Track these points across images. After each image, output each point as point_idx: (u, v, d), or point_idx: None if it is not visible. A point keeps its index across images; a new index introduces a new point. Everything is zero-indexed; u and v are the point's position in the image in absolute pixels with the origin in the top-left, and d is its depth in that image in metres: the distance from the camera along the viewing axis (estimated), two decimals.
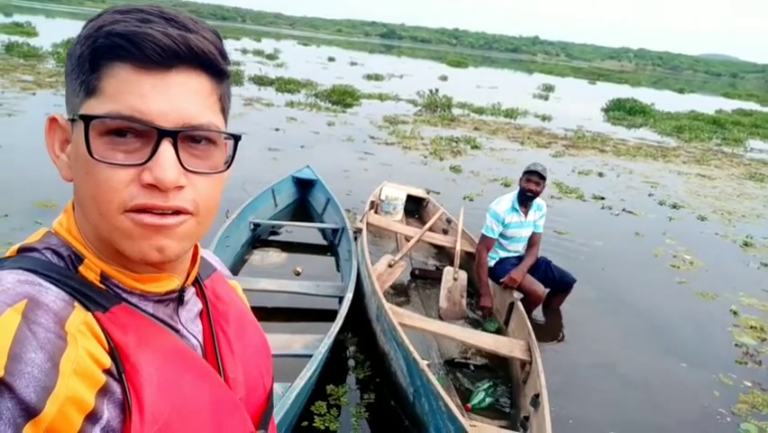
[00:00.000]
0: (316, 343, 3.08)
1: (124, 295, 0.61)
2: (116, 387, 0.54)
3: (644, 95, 30.13)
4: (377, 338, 3.66)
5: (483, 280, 4.43)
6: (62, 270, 0.59)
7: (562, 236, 6.49)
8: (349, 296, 3.69)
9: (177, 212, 0.58)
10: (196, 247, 0.71)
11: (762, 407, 3.70)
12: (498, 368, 3.81)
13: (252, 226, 5.30)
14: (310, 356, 2.84)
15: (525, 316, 3.88)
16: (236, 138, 0.65)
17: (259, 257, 5.05)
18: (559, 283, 4.62)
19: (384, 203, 5.91)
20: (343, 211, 5.55)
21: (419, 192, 6.64)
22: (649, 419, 3.51)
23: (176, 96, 0.57)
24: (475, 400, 3.30)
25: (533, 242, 4.59)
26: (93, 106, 0.56)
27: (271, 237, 5.56)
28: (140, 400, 0.54)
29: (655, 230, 7.31)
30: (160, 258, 0.58)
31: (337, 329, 3.20)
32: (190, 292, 0.70)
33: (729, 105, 34.17)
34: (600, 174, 10.46)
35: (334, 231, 5.43)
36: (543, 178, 4.38)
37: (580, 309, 4.76)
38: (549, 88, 31.38)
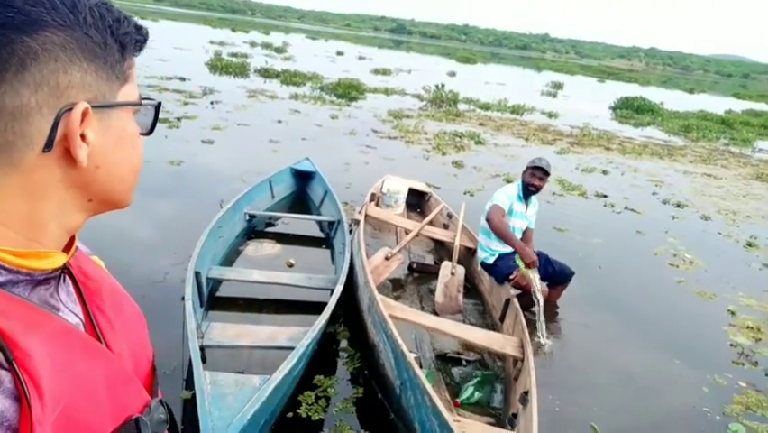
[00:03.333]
0: (301, 335, 3.04)
1: (9, 276, 0.58)
2: (5, 376, 0.51)
3: (654, 94, 29.93)
4: (367, 330, 3.63)
5: (512, 237, 4.25)
6: None
7: (561, 233, 6.43)
8: (339, 288, 3.66)
9: None
10: None
11: (755, 408, 3.65)
12: (491, 364, 3.77)
13: (248, 217, 5.27)
14: (293, 349, 2.81)
15: (521, 312, 3.83)
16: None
17: (253, 248, 5.02)
18: (558, 276, 4.57)
19: (385, 196, 5.87)
20: (340, 204, 5.51)
21: (421, 186, 6.59)
22: (639, 417, 3.47)
23: None
24: (464, 396, 3.27)
25: (527, 238, 4.54)
26: (129, 92, 0.63)
27: (267, 229, 5.53)
28: (37, 385, 0.52)
29: (657, 229, 7.24)
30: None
31: (323, 321, 3.17)
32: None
33: (740, 105, 33.87)
34: (604, 172, 10.38)
35: (330, 223, 5.39)
36: (547, 174, 4.34)
37: (574, 306, 4.71)
38: (557, 86, 31.22)
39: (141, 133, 0.67)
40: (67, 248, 0.66)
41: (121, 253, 4.45)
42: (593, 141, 13.84)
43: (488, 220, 4.38)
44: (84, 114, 0.56)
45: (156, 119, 0.71)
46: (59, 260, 0.62)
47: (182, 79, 14.67)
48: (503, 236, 4.29)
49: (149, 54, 20.04)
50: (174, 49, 23.28)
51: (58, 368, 0.55)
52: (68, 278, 0.68)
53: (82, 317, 0.68)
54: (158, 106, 0.70)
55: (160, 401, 0.73)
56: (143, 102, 0.67)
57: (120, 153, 0.63)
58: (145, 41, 0.65)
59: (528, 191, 4.39)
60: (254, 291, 4.16)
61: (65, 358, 0.57)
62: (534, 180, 4.33)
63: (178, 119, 9.82)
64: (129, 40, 0.61)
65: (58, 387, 0.54)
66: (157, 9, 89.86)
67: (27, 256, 0.58)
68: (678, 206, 8.58)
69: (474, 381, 3.41)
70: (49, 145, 0.55)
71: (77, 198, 0.61)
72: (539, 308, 4.02)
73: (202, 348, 3.00)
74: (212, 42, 28.83)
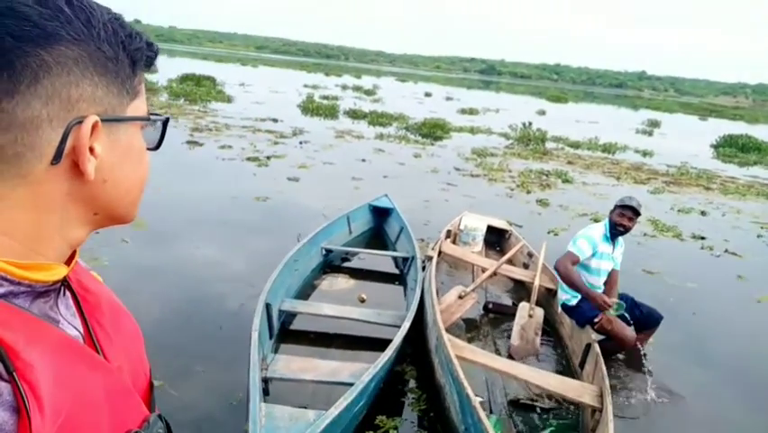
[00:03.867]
0: (363, 371, 2.98)
1: (11, 288, 0.58)
2: (5, 388, 0.51)
3: (762, 132, 28.00)
4: (434, 371, 3.51)
5: (581, 284, 4.06)
6: None
7: (652, 276, 6.03)
8: (406, 325, 3.58)
9: None
10: None
11: None
12: (568, 413, 3.53)
13: (324, 252, 5.33)
14: (352, 384, 2.75)
15: (602, 359, 3.58)
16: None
17: (328, 283, 5.06)
18: (646, 320, 4.27)
19: (463, 233, 5.77)
20: (415, 240, 5.47)
21: (501, 223, 6.43)
22: None
23: None
24: None
25: (612, 281, 4.29)
26: (138, 108, 0.64)
27: (343, 264, 5.56)
28: (37, 397, 0.52)
29: (762, 275, 6.63)
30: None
31: (386, 359, 3.09)
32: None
33: None
34: (703, 213, 9.72)
35: (405, 260, 5.35)
36: (637, 213, 4.11)
37: (662, 357, 4.35)
38: (654, 124, 29.98)
39: (149, 149, 0.68)
40: (68, 261, 0.66)
41: (203, 284, 4.61)
42: (691, 180, 13.07)
43: (556, 269, 4.21)
44: (94, 127, 0.57)
45: (164, 135, 0.70)
46: (61, 272, 0.63)
47: (275, 120, 15.33)
48: (569, 283, 4.11)
49: (246, 98, 21.26)
50: (270, 92, 24.52)
51: (58, 380, 0.55)
52: (67, 291, 0.69)
53: (81, 330, 0.68)
54: (166, 122, 0.70)
55: (159, 416, 0.73)
56: (152, 117, 0.67)
57: (127, 168, 0.63)
58: (155, 57, 0.65)
59: (617, 231, 4.15)
60: (324, 326, 4.15)
61: (66, 370, 0.57)
62: (623, 220, 4.10)
63: (268, 158, 10.22)
64: (140, 56, 0.62)
65: (58, 399, 0.54)
66: (257, 56, 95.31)
67: (29, 268, 0.59)
68: None
69: (548, 430, 3.20)
70: (57, 157, 0.55)
71: (83, 211, 0.61)
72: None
73: (265, 380, 3.01)
74: (305, 86, 30.11)
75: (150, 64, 0.64)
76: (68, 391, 0.56)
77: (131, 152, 0.63)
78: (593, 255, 4.17)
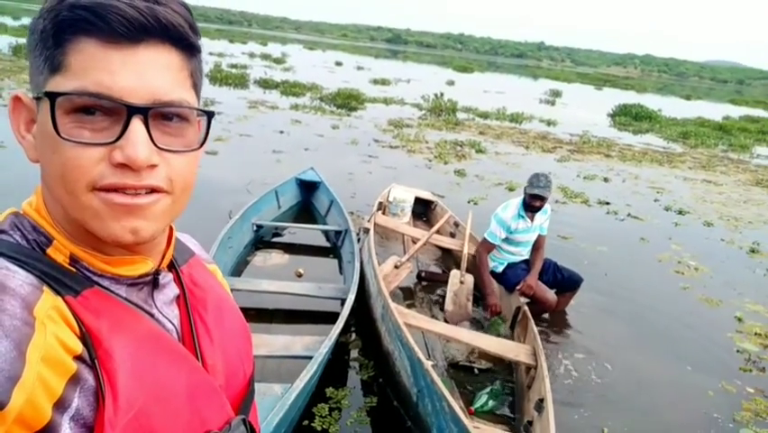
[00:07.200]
0: (317, 344, 3.06)
1: (95, 278, 0.59)
2: (88, 374, 0.52)
3: (651, 101, 30.04)
4: (381, 338, 3.64)
5: (486, 280, 4.42)
6: (30, 252, 0.56)
7: (566, 241, 6.46)
8: (351, 297, 3.67)
9: (152, 191, 0.56)
10: (171, 229, 0.70)
11: (764, 414, 3.66)
12: (503, 372, 3.78)
13: (255, 228, 5.29)
14: (310, 358, 2.82)
15: (532, 320, 3.85)
16: (209, 115, 0.63)
17: (261, 258, 5.04)
18: (567, 283, 4.61)
19: (392, 204, 5.89)
20: (347, 213, 5.53)
21: (427, 195, 6.61)
22: (650, 423, 3.48)
23: (145, 72, 0.55)
24: (478, 404, 3.28)
25: (538, 245, 4.58)
26: (58, 83, 0.54)
27: (274, 239, 5.55)
28: (113, 386, 0.52)
29: (661, 235, 7.27)
30: (133, 239, 0.57)
31: (338, 331, 3.18)
32: (167, 277, 0.68)
33: (736, 111, 34.00)
34: (605, 179, 10.42)
35: (337, 233, 5.41)
36: (544, 198, 4.33)
37: (583, 314, 4.74)
38: (556, 94, 31.35)
39: (63, 137, 0.54)
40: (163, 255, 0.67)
41: None
42: (593, 148, 13.90)
43: (477, 252, 4.55)
44: (13, 102, 0.59)
45: (54, 117, 0.54)
46: (146, 266, 0.63)
47: None
48: (481, 275, 4.46)
49: None
50: None
51: (137, 371, 0.55)
52: (174, 284, 0.69)
53: (176, 323, 0.68)
54: (53, 97, 0.54)
55: (243, 420, 0.69)
56: (53, 91, 0.54)
57: (43, 153, 0.57)
58: (79, 10, 0.53)
59: (532, 209, 4.41)
60: (264, 301, 4.16)
61: (147, 362, 0.57)
62: (534, 203, 4.35)
63: None
64: (59, 20, 0.54)
65: (134, 390, 0.54)
66: None
67: (112, 263, 0.60)
68: (680, 212, 8.61)
69: (487, 389, 3.42)
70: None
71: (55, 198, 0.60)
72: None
73: None
74: (210, 54, 28.89)
75: (82, 29, 0.53)
76: (145, 384, 0.56)
77: (44, 135, 0.56)
78: (509, 232, 4.43)
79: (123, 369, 0.54)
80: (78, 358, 0.52)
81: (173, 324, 0.67)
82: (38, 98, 0.56)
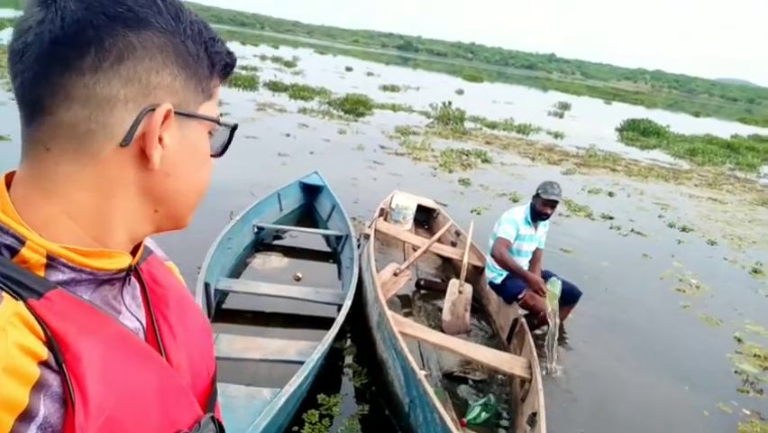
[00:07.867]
0: (310, 350, 3.04)
1: (72, 275, 0.57)
2: (54, 380, 0.51)
3: (660, 116, 29.99)
4: (376, 346, 3.62)
5: (517, 267, 4.28)
6: None
7: (567, 254, 6.43)
8: (347, 303, 3.66)
9: None
10: None
11: None
12: (498, 384, 3.76)
13: (256, 230, 5.29)
14: (302, 363, 2.81)
15: (528, 333, 3.83)
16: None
17: (260, 261, 5.04)
18: (566, 296, 4.57)
19: (394, 211, 5.88)
20: (348, 219, 5.52)
21: (430, 203, 6.61)
22: None
23: None
24: (471, 415, 3.26)
25: (535, 258, 4.56)
26: (210, 109, 0.64)
27: (275, 241, 5.55)
28: (83, 390, 0.51)
29: (663, 252, 7.23)
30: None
31: (332, 337, 3.17)
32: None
33: (745, 130, 33.88)
34: (610, 193, 10.39)
35: (338, 238, 5.40)
36: (559, 202, 4.36)
37: (581, 329, 4.71)
38: (565, 106, 31.35)
39: (213, 155, 0.67)
40: (133, 252, 0.65)
41: None
42: (599, 162, 13.88)
43: (492, 255, 4.41)
44: (166, 116, 0.58)
45: (230, 142, 0.69)
46: (124, 261, 0.62)
47: None
48: (509, 269, 4.32)
49: None
50: None
51: (107, 375, 0.54)
52: (135, 281, 0.68)
53: (144, 322, 0.67)
54: (234, 128, 0.69)
55: (212, 418, 0.70)
56: (221, 121, 0.67)
57: (190, 167, 0.63)
58: (233, 66, 0.66)
59: (539, 217, 4.39)
60: (261, 304, 4.16)
61: (116, 365, 0.56)
62: (545, 210, 4.32)
63: None
64: (219, 60, 0.63)
65: (104, 395, 0.53)
66: None
67: (91, 255, 0.58)
68: (684, 229, 8.57)
69: (481, 401, 3.40)
70: (127, 140, 0.56)
71: (145, 204, 0.61)
72: (553, 332, 3.98)
73: None
74: None
75: (226, 73, 0.65)
76: (115, 387, 0.55)
77: (196, 152, 0.63)
78: (516, 238, 4.41)
79: (92, 373, 0.52)
80: (43, 363, 0.51)
81: (140, 323, 0.66)
82: (186, 115, 0.61)
